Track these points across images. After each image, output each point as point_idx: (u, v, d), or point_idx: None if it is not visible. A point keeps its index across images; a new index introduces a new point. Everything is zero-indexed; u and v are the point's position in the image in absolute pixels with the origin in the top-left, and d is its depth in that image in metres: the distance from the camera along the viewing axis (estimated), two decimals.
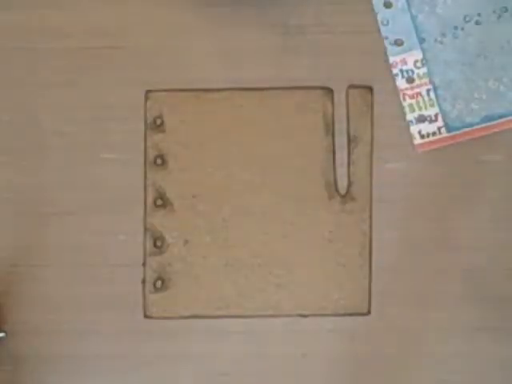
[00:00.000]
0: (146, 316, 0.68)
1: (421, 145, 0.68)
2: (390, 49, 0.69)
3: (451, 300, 0.68)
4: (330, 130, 0.69)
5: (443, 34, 0.68)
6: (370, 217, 0.69)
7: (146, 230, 0.68)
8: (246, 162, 0.69)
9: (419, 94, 0.68)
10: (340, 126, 0.69)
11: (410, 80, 0.68)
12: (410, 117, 0.69)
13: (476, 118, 0.68)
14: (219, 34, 0.70)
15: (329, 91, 0.69)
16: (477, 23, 0.69)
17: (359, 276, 0.68)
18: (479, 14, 0.69)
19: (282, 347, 0.68)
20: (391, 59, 0.69)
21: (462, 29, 0.69)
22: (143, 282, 0.68)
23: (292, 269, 0.68)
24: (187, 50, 0.69)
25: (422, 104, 0.68)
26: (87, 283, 0.68)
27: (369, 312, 0.68)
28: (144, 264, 0.68)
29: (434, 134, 0.68)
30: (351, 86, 0.69)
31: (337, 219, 0.69)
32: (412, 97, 0.69)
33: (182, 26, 0.70)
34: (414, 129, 0.68)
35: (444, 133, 0.68)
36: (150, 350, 0.68)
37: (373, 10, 0.69)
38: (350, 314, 0.68)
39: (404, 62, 0.69)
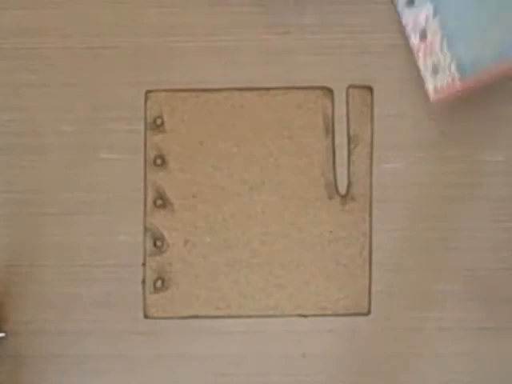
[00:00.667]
0: (145, 316, 0.68)
1: (436, 96, 0.68)
2: (402, 9, 0.69)
3: (451, 300, 0.68)
4: (329, 130, 0.69)
5: None
6: (370, 217, 0.69)
7: (145, 230, 0.68)
8: (246, 162, 0.69)
9: (432, 47, 0.68)
10: (340, 126, 0.69)
11: (423, 35, 0.68)
12: (424, 71, 0.68)
13: (490, 57, 0.67)
14: (219, 33, 0.70)
15: (329, 91, 0.69)
16: None
17: (359, 276, 0.68)
18: None
19: (282, 347, 0.68)
20: (403, 21, 0.69)
21: None
22: (143, 282, 0.68)
23: (292, 269, 0.68)
24: (187, 50, 0.69)
25: (435, 57, 0.68)
26: (87, 283, 0.68)
27: (369, 312, 0.68)
28: (144, 264, 0.68)
29: (448, 83, 0.67)
30: (351, 86, 0.69)
31: (337, 219, 0.69)
32: (426, 51, 0.68)
33: (182, 26, 0.70)
34: (430, 81, 0.68)
35: (459, 79, 0.67)
36: (149, 350, 0.68)
37: (372, 10, 0.69)
38: (350, 314, 0.68)
39: (416, 18, 0.68)
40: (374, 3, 0.70)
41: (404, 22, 0.69)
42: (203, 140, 0.69)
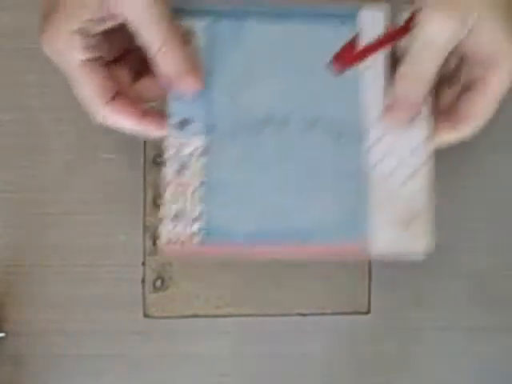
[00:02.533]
0: (145, 315, 0.68)
1: (168, 248, 0.57)
2: (172, 129, 0.57)
3: (451, 300, 0.68)
4: None
5: (237, 129, 0.58)
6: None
7: (145, 229, 0.68)
8: None
9: (187, 187, 0.57)
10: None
11: (183, 168, 0.57)
12: (167, 211, 0.57)
13: (240, 234, 0.57)
14: None
15: None
16: (279, 129, 0.58)
17: (359, 276, 0.68)
18: (284, 120, 0.58)
19: (282, 347, 0.68)
20: (167, 142, 0.57)
21: (261, 130, 0.58)
22: (143, 281, 0.68)
23: (292, 268, 0.68)
24: None
25: (184, 200, 0.57)
26: (87, 283, 0.68)
27: (369, 311, 0.68)
28: (144, 263, 0.68)
29: (190, 235, 0.56)
30: None
31: None
32: (178, 189, 0.57)
33: None
34: (168, 224, 0.56)
35: (201, 237, 0.56)
36: (149, 350, 0.67)
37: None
38: (350, 314, 0.68)
39: (183, 146, 0.57)
40: (374, 3, 0.70)
41: (167, 143, 0.57)
42: None
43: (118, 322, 0.68)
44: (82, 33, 0.53)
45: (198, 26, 0.58)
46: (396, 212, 0.58)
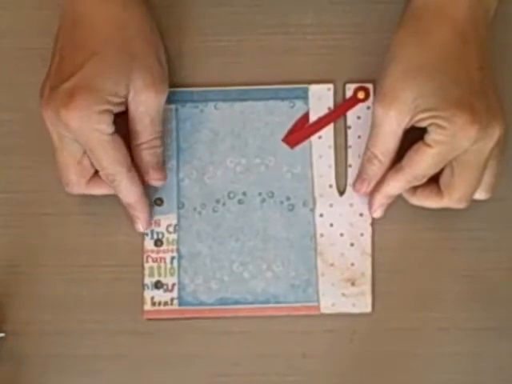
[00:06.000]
0: (146, 316, 0.68)
1: (149, 312, 0.67)
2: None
3: (451, 300, 0.68)
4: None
5: (203, 205, 0.68)
6: (371, 216, 0.68)
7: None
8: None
9: (163, 259, 0.68)
10: (339, 126, 0.69)
11: (159, 243, 0.68)
12: (147, 280, 0.68)
13: (211, 299, 0.67)
14: (219, 34, 0.70)
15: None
16: (239, 202, 0.68)
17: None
18: (244, 193, 0.68)
19: (282, 347, 0.68)
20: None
21: (224, 204, 0.68)
22: (143, 282, 0.68)
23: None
24: (187, 50, 0.69)
25: (162, 270, 0.67)
26: (87, 283, 0.68)
27: (369, 311, 0.68)
28: (144, 264, 0.68)
29: (165, 303, 0.67)
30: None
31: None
32: (155, 260, 0.68)
33: (182, 26, 0.70)
34: (148, 294, 0.67)
35: (175, 305, 0.67)
36: (149, 351, 0.67)
37: (372, 10, 0.69)
38: (351, 314, 0.68)
39: (158, 223, 0.68)
40: (374, 3, 0.70)
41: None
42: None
43: (117, 322, 0.68)
44: (110, 111, 0.61)
45: (169, 110, 0.68)
46: (342, 274, 0.67)
